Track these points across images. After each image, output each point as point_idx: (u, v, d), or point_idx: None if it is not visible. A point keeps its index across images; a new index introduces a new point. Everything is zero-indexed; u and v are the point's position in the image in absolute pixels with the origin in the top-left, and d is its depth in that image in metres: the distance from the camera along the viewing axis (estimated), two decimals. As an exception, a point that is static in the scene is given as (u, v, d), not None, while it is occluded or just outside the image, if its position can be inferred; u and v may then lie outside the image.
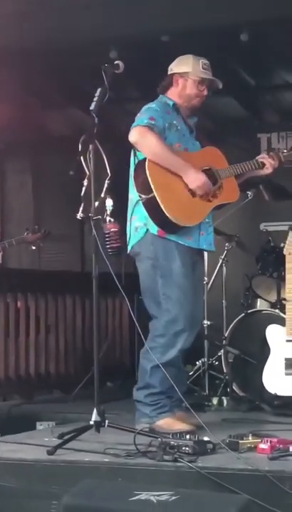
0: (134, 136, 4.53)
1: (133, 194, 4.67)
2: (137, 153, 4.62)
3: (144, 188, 4.53)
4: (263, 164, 4.95)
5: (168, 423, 4.48)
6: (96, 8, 5.83)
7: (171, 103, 4.79)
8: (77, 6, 5.91)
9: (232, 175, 4.85)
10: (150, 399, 4.61)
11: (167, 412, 4.57)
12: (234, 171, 4.86)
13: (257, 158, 4.99)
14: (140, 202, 4.55)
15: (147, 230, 4.61)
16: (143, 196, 4.51)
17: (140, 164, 4.57)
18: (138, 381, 4.73)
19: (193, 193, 4.62)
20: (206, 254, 6.09)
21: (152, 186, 4.48)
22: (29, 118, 7.07)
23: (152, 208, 4.50)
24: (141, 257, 4.69)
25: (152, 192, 4.47)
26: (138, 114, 4.65)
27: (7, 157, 8.05)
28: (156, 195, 4.46)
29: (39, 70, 6.66)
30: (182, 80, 4.81)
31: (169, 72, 4.87)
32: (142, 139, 4.53)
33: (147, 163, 4.52)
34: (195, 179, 4.59)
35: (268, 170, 4.96)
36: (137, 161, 4.63)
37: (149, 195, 4.48)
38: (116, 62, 4.42)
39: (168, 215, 4.47)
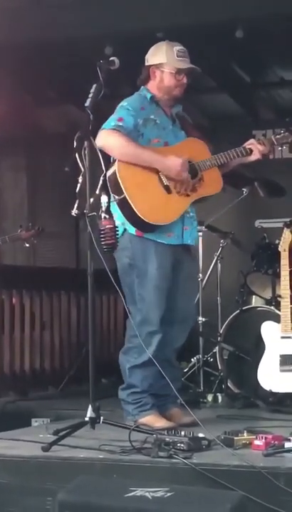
0: (99, 140, 4.47)
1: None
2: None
3: (116, 189, 4.54)
4: (251, 150, 4.87)
5: (149, 421, 4.51)
6: (91, 4, 5.83)
7: (149, 96, 4.77)
8: (72, 2, 5.91)
9: (214, 165, 4.79)
10: (132, 397, 4.65)
11: (149, 410, 4.61)
12: (217, 161, 4.79)
13: (245, 144, 4.91)
14: (114, 202, 4.50)
15: (125, 229, 4.61)
16: (116, 197, 4.52)
17: (111, 166, 4.57)
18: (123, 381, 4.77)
19: (168, 189, 4.60)
20: (200, 251, 6.11)
21: (123, 187, 4.51)
22: (23, 115, 7.07)
23: (125, 209, 4.53)
24: (119, 255, 4.66)
25: (122, 193, 4.48)
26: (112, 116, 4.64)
27: (2, 154, 8.05)
28: (126, 195, 4.49)
29: (33, 66, 6.66)
30: (159, 71, 4.77)
31: (146, 64, 4.82)
32: (107, 142, 4.52)
33: (117, 164, 4.53)
34: (172, 164, 4.56)
35: (255, 156, 4.87)
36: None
37: (121, 196, 4.50)
38: (111, 58, 4.41)
39: (140, 215, 4.49)
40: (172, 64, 4.75)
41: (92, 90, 4.30)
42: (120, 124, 4.55)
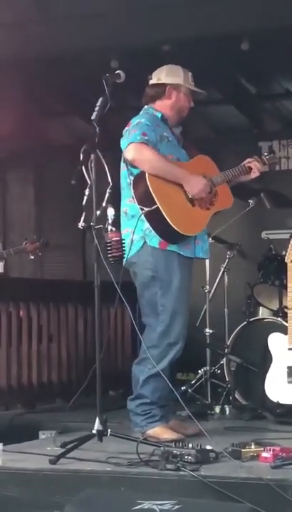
0: (131, 153, 4.58)
1: (128, 206, 4.73)
2: (131, 168, 4.66)
3: (145, 200, 4.56)
4: (250, 168, 5.01)
5: (157, 432, 4.52)
6: (97, 18, 5.85)
7: (159, 115, 4.84)
8: (79, 16, 5.93)
9: (224, 181, 4.92)
10: (141, 409, 4.65)
11: (157, 421, 4.62)
12: (226, 177, 4.93)
13: (243, 163, 5.04)
14: (138, 216, 4.57)
15: (145, 242, 4.65)
16: (145, 209, 4.53)
17: (139, 178, 4.62)
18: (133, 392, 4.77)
19: (192, 202, 4.68)
20: (207, 262, 6.12)
21: (155, 198, 4.52)
22: (31, 127, 7.09)
23: (156, 220, 4.54)
24: (138, 268, 4.73)
25: (155, 204, 4.50)
26: (127, 129, 4.70)
27: (9, 166, 8.08)
28: (160, 206, 4.51)
29: (41, 79, 6.68)
30: (176, 92, 4.85)
31: (157, 82, 4.88)
32: (139, 155, 4.59)
33: (147, 176, 4.56)
34: (197, 184, 4.67)
35: (255, 173, 5.03)
36: (131, 176, 4.67)
37: (153, 207, 4.51)
38: (117, 71, 4.43)
39: (173, 225, 4.53)
40: (189, 86, 4.86)
41: (98, 103, 4.33)
42: (146, 138, 4.60)
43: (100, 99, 4.32)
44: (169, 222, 4.52)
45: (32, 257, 5.85)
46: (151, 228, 4.58)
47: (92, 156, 4.27)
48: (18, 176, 8.35)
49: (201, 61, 5.50)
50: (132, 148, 4.59)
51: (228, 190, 5.00)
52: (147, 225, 4.59)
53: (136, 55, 5.64)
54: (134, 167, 4.65)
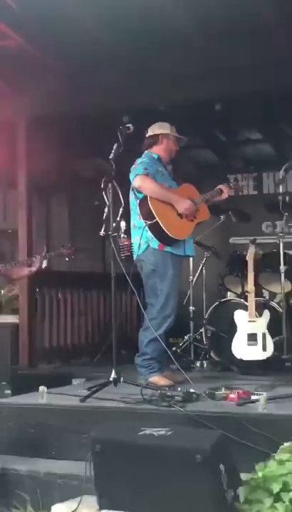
0: (137, 182, 4.61)
1: (136, 221, 4.73)
2: (137, 193, 4.67)
3: (148, 216, 4.59)
4: (222, 191, 5.05)
5: (156, 380, 4.54)
6: (113, 87, 5.87)
7: (156, 156, 4.87)
8: (99, 85, 5.93)
9: (203, 201, 4.96)
10: (144, 363, 4.65)
11: (156, 372, 4.62)
12: (204, 198, 4.98)
13: (218, 187, 5.09)
14: (143, 227, 4.59)
15: (148, 245, 4.66)
16: (148, 222, 4.57)
17: (144, 200, 4.63)
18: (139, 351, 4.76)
19: (181, 216, 4.71)
20: (191, 260, 6.12)
21: (155, 214, 4.56)
22: (66, 165, 7.08)
23: (155, 229, 4.58)
24: (144, 264, 4.74)
25: (154, 218, 4.54)
26: (134, 166, 4.72)
27: (51, 193, 8.07)
28: (158, 220, 4.55)
29: (73, 131, 6.67)
30: (166, 139, 4.90)
31: (152, 133, 4.92)
32: (143, 184, 4.61)
33: (149, 199, 4.59)
34: (183, 204, 4.70)
35: (225, 195, 5.07)
36: (137, 198, 4.68)
37: (153, 221, 4.55)
38: (127, 125, 4.45)
39: (168, 232, 4.57)
40: (175, 135, 4.93)
41: (114, 147, 4.35)
42: (147, 171, 4.64)
43: (116, 145, 4.34)
44: (165, 230, 4.56)
45: (67, 259, 5.84)
46: (152, 235, 4.60)
47: (110, 185, 4.32)
48: (57, 199, 8.35)
49: (187, 118, 5.50)
50: (138, 178, 4.61)
51: (206, 208, 5.03)
52: (149, 233, 4.60)
53: (141, 113, 5.63)
54: (140, 192, 4.65)
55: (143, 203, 4.64)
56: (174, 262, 4.71)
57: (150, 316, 4.64)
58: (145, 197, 4.62)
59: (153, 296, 4.71)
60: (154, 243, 4.63)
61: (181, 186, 4.94)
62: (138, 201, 4.68)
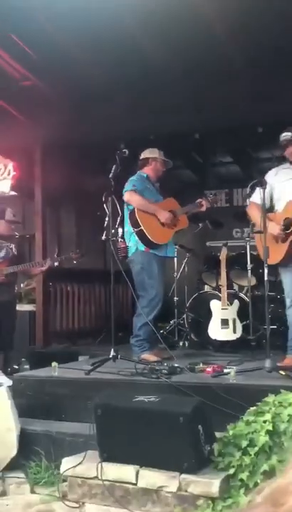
0: (126, 197, 4.61)
1: (128, 228, 4.72)
2: (128, 205, 4.67)
3: (135, 224, 4.60)
4: (201, 204, 5.01)
5: (147, 357, 4.52)
6: (113, 120, 5.86)
7: (145, 175, 4.87)
8: (102, 118, 5.92)
9: (183, 212, 4.91)
10: (138, 343, 4.64)
11: (147, 350, 4.61)
12: (184, 210, 4.93)
13: (197, 201, 5.03)
14: (133, 232, 4.59)
15: (137, 248, 4.65)
16: (135, 229, 4.58)
17: (132, 211, 4.63)
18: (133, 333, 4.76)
19: (162, 225, 4.69)
20: (175, 259, 6.13)
21: (140, 223, 4.57)
22: (73, 182, 7.05)
23: (141, 235, 4.58)
24: (133, 264, 4.72)
25: (140, 226, 4.55)
26: (126, 183, 4.71)
27: (61, 204, 8.03)
28: (143, 228, 4.56)
29: (79, 154, 6.67)
30: (154, 162, 4.90)
31: (143, 157, 4.93)
32: (131, 198, 4.61)
33: (136, 210, 4.60)
34: (164, 215, 4.67)
35: (203, 208, 5.01)
36: (128, 210, 4.68)
37: (139, 228, 4.56)
38: (124, 150, 4.45)
39: (150, 238, 4.57)
40: (162, 158, 4.92)
41: (113, 168, 4.34)
42: (135, 188, 4.64)
43: (114, 166, 4.33)
44: (148, 236, 4.56)
45: (75, 262, 5.84)
46: (139, 240, 4.59)
47: (109, 198, 4.32)
48: (66, 210, 8.30)
49: (172, 145, 5.50)
50: (127, 194, 4.61)
51: (186, 218, 4.97)
52: (137, 238, 4.60)
53: (134, 141, 5.62)
54: (130, 205, 4.65)
55: (132, 213, 4.63)
56: (158, 261, 4.69)
57: (142, 305, 4.64)
58: (134, 209, 4.62)
59: (142, 289, 4.69)
60: (141, 246, 4.62)
61: (165, 200, 4.90)
62: (128, 212, 4.68)
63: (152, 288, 4.65)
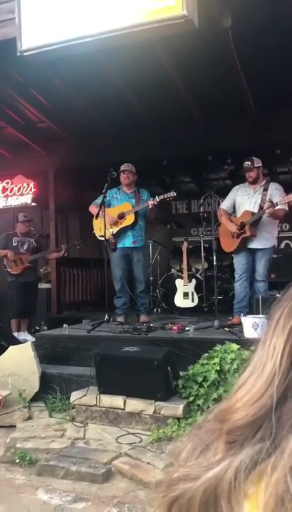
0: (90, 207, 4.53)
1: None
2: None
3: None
4: (148, 204, 4.33)
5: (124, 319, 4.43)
6: (104, 150, 5.77)
7: (119, 187, 4.61)
8: (96, 149, 5.84)
9: (131, 212, 4.38)
10: (119, 310, 4.52)
11: (121, 315, 4.47)
12: (132, 210, 4.38)
13: (147, 200, 4.39)
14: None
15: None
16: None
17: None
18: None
19: (108, 224, 4.35)
20: (151, 251, 6.06)
21: (94, 227, 4.51)
22: (77, 196, 6.94)
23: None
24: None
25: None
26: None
27: (69, 211, 7.92)
28: (95, 231, 4.50)
29: (81, 176, 6.57)
30: (121, 174, 4.54)
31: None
32: (90, 208, 4.52)
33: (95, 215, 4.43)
34: (108, 217, 4.33)
35: (150, 206, 4.33)
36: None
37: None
38: (113, 172, 4.37)
39: (97, 234, 4.48)
40: (121, 170, 4.60)
41: (105, 187, 4.28)
42: (96, 200, 4.48)
43: (106, 185, 4.27)
44: (96, 234, 4.48)
45: (78, 247, 5.81)
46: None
47: (102, 207, 4.27)
48: (73, 216, 8.17)
49: (147, 169, 5.41)
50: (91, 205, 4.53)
51: (133, 216, 4.37)
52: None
53: (120, 166, 5.55)
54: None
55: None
56: (119, 251, 4.39)
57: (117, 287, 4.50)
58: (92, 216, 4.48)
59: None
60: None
61: (122, 204, 4.47)
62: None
63: (114, 276, 4.47)
